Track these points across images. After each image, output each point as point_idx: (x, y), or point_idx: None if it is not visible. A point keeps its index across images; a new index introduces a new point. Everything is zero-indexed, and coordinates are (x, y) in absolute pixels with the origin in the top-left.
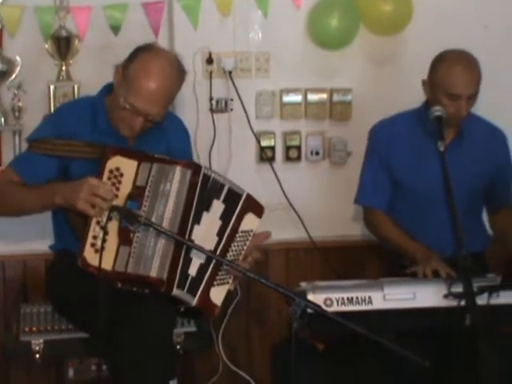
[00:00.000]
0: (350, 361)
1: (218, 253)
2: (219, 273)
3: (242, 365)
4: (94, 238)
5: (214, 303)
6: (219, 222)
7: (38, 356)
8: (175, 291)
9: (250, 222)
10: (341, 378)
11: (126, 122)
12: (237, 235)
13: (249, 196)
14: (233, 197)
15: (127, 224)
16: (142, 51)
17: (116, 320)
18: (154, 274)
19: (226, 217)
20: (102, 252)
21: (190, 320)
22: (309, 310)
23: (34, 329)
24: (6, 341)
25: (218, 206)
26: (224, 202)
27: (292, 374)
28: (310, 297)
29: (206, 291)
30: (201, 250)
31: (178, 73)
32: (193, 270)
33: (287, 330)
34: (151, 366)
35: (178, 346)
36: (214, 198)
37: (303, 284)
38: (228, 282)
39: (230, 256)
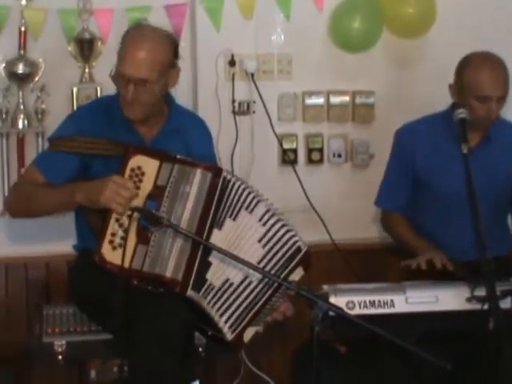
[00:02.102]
0: (372, 364)
1: (268, 286)
2: (259, 314)
3: (263, 367)
4: (113, 235)
5: (243, 341)
6: (259, 249)
7: (60, 357)
8: (189, 292)
9: (297, 273)
10: (362, 381)
11: (122, 97)
12: (282, 285)
13: (308, 251)
14: (283, 235)
15: (148, 224)
16: (129, 29)
17: (133, 318)
18: (168, 274)
19: (272, 249)
20: (119, 248)
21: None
22: (331, 313)
23: (57, 330)
24: (28, 342)
25: (252, 223)
26: (263, 224)
27: (313, 377)
28: (332, 300)
29: (244, 330)
30: (221, 251)
31: (164, 38)
32: (214, 279)
33: (309, 332)
34: (168, 366)
35: (200, 348)
36: (241, 208)
37: (325, 287)
38: (260, 324)
39: (271, 300)
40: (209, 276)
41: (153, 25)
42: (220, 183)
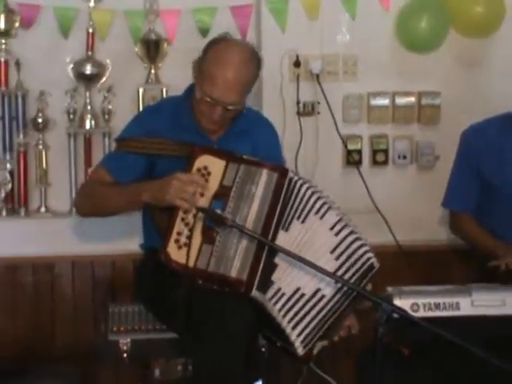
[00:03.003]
0: (436, 367)
1: (341, 301)
2: (330, 329)
3: (326, 368)
4: (179, 234)
5: (313, 355)
6: (332, 261)
7: (125, 355)
8: (254, 293)
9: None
10: None
11: (206, 115)
12: (355, 303)
13: (379, 268)
14: (357, 249)
15: (212, 225)
16: (215, 42)
17: (197, 318)
18: (233, 274)
19: (345, 263)
20: (184, 247)
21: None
22: (395, 315)
23: (122, 328)
24: (94, 340)
25: (323, 231)
26: (336, 234)
27: (377, 379)
28: (397, 302)
29: (315, 345)
30: (288, 253)
31: (253, 59)
32: (286, 287)
33: (373, 334)
34: (232, 365)
35: (263, 348)
36: (310, 211)
37: (389, 289)
38: (328, 339)
39: (342, 316)
40: (275, 279)
41: (236, 40)
42: (286, 184)
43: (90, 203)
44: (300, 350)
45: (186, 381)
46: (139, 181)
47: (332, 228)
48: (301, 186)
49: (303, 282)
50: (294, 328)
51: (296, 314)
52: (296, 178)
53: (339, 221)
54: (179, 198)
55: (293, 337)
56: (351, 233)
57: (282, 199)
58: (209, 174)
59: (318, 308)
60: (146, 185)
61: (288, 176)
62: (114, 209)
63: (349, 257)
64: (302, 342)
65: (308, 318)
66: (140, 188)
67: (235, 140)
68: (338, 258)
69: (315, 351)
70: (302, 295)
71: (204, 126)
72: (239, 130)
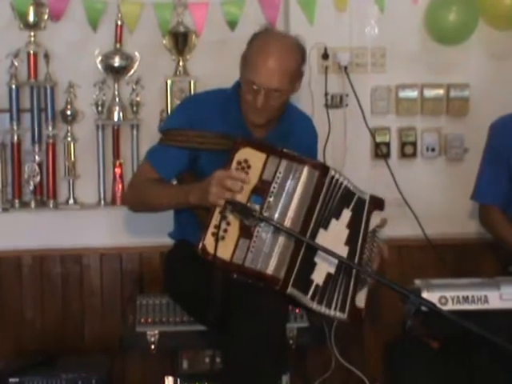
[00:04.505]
0: (465, 360)
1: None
2: (359, 282)
3: (354, 361)
4: (216, 227)
5: (360, 308)
6: (346, 231)
7: (153, 347)
8: (290, 290)
9: (374, 219)
10: (455, 377)
11: (250, 103)
12: (367, 238)
13: (371, 197)
14: (359, 203)
15: (241, 217)
16: (258, 34)
17: (230, 311)
18: (270, 271)
19: (353, 225)
20: (221, 241)
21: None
22: (423, 308)
23: (150, 320)
24: (122, 331)
25: (346, 215)
26: (352, 210)
27: (405, 372)
28: (425, 295)
29: (353, 301)
30: (321, 248)
31: (294, 47)
32: (318, 278)
33: (401, 327)
34: (264, 359)
35: (291, 341)
36: (344, 206)
37: (417, 281)
38: (368, 283)
39: (364, 259)
40: (314, 277)
41: (278, 30)
42: (327, 182)
43: (140, 203)
44: (343, 316)
45: (213, 372)
46: (185, 177)
47: (351, 208)
48: (341, 183)
49: (332, 267)
50: (330, 307)
51: (329, 294)
52: (337, 176)
53: (356, 199)
54: (218, 198)
55: (332, 313)
56: (358, 201)
57: (323, 197)
58: (249, 167)
59: (342, 275)
60: (192, 187)
61: (329, 174)
62: (163, 209)
63: (354, 215)
64: (341, 310)
65: (337, 291)
66: (188, 190)
67: (279, 139)
68: (348, 227)
69: (361, 302)
70: (331, 276)
71: (249, 119)
72: (284, 130)
